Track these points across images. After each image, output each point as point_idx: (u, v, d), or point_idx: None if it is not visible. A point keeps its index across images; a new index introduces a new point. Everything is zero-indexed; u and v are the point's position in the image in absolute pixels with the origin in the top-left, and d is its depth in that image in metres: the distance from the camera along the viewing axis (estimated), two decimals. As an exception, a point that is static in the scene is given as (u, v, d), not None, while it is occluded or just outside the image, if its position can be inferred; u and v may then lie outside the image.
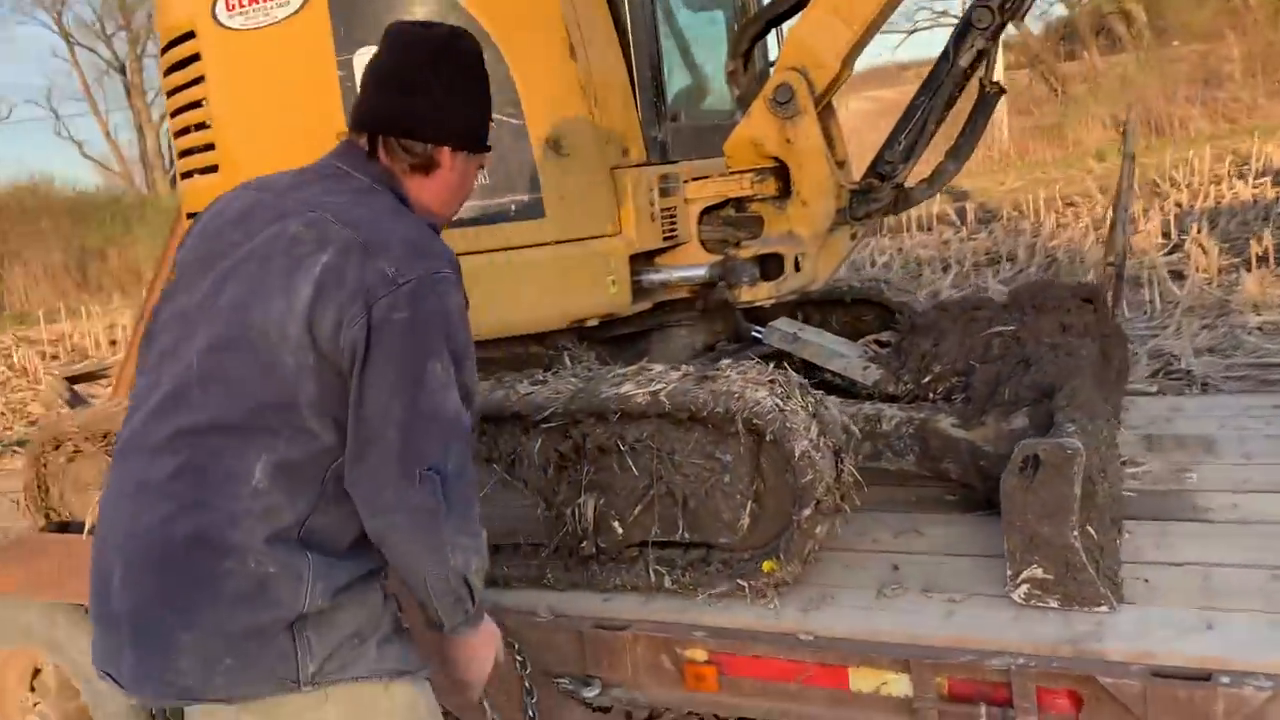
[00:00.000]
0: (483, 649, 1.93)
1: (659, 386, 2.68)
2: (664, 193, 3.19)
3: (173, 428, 1.69)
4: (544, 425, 2.78)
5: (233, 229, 1.79)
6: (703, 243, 3.38)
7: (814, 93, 3.10)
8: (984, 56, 3.02)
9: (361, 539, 1.76)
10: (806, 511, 2.56)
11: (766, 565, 2.62)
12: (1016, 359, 3.07)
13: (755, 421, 2.56)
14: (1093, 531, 2.44)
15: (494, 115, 2.65)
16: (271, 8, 2.87)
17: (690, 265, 3.20)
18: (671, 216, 3.24)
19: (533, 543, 2.91)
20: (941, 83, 3.04)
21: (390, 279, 1.65)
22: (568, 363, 3.02)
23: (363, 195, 1.79)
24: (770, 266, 3.23)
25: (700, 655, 2.56)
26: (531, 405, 2.77)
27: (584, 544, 2.82)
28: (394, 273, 1.65)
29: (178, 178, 3.42)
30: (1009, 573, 2.44)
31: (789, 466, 2.56)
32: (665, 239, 3.21)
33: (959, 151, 3.18)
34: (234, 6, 2.90)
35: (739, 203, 3.32)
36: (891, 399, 3.32)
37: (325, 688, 1.71)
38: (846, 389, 3.46)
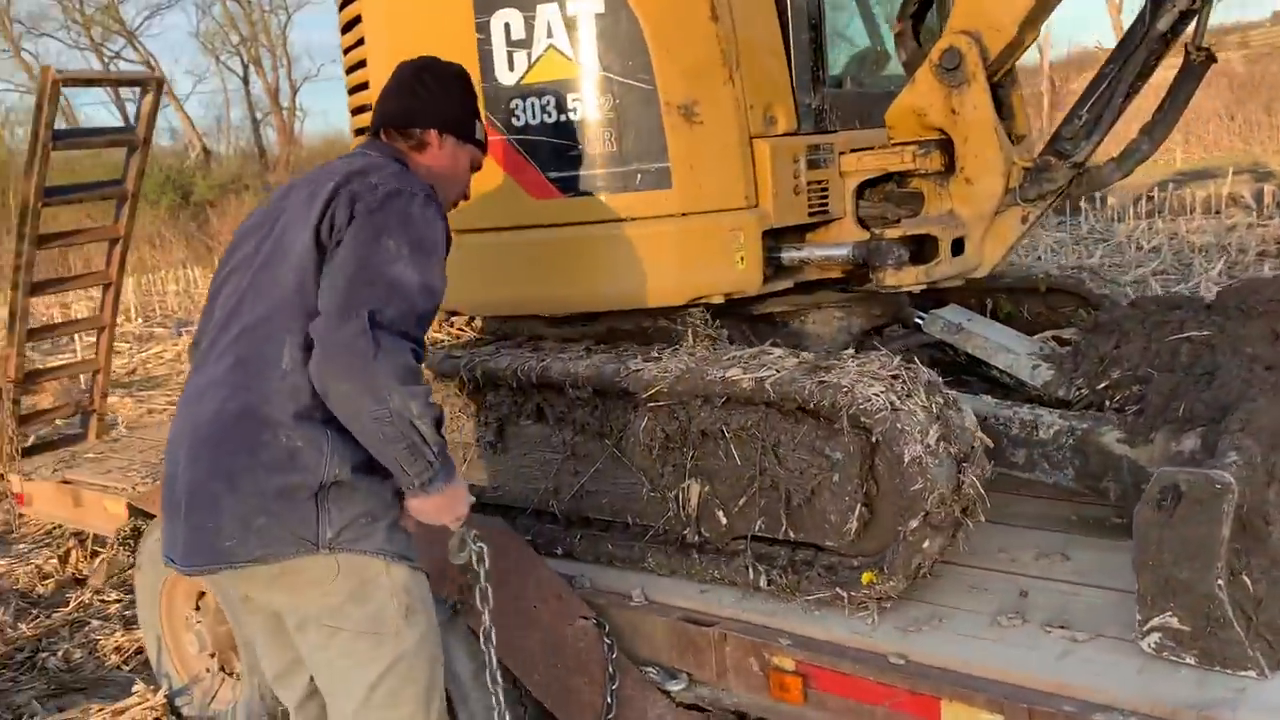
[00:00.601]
0: (452, 503, 2.06)
1: (767, 373, 2.51)
2: (812, 165, 2.97)
3: (230, 335, 2.04)
4: (650, 404, 2.67)
5: (279, 200, 2.17)
6: (860, 220, 3.14)
7: (986, 59, 2.79)
8: (1188, 19, 2.60)
9: None
10: (913, 523, 2.32)
11: (866, 576, 2.40)
12: (1203, 369, 2.65)
13: (863, 419, 2.35)
14: (1249, 581, 2.07)
15: (626, 80, 2.58)
16: (418, -31, 2.89)
17: (833, 244, 2.98)
18: (822, 190, 3.02)
19: (640, 523, 2.82)
20: (1135, 49, 2.65)
21: (372, 187, 2.02)
22: (690, 339, 2.88)
23: (374, 160, 2.17)
24: (928, 249, 2.96)
25: (788, 664, 2.39)
26: (639, 382, 2.67)
27: (687, 531, 2.71)
28: (375, 183, 2.03)
29: (351, 135, 3.54)
30: (1138, 618, 2.11)
31: (898, 472, 2.33)
32: (811, 214, 3.00)
33: (1156, 128, 2.77)
34: (388, -31, 2.95)
35: (901, 178, 3.06)
36: (1063, 404, 2.97)
37: (338, 554, 1.99)
38: (1016, 389, 3.14)
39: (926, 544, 2.34)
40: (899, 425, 2.32)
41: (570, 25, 2.73)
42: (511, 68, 2.79)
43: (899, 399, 2.38)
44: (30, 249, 4.35)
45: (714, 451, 2.62)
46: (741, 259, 2.80)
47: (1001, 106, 3.02)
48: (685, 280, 2.80)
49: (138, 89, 4.42)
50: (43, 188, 4.22)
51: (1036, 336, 3.27)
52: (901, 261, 2.83)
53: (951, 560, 2.64)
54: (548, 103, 2.78)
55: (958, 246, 2.94)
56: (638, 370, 2.69)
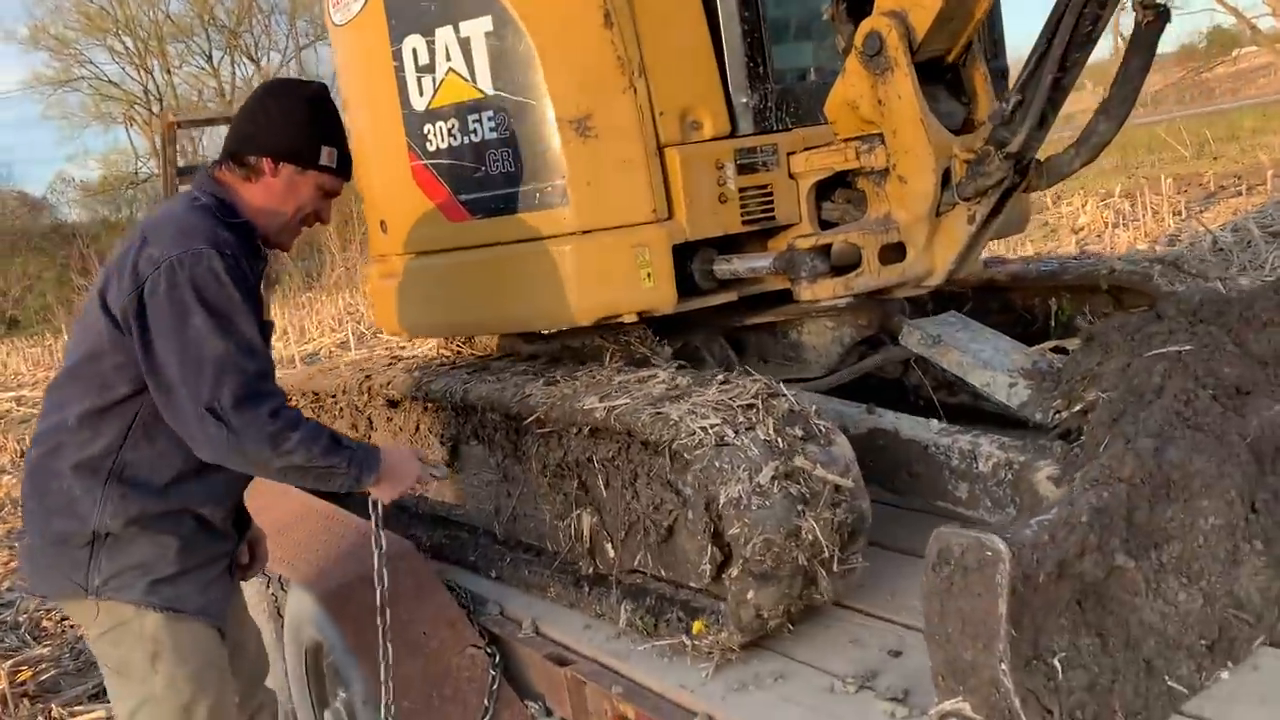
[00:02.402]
0: (399, 477, 2.24)
1: (621, 402, 2.37)
2: (746, 169, 2.75)
3: (52, 387, 2.21)
4: (536, 430, 2.60)
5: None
6: (825, 223, 2.87)
7: (912, 41, 2.45)
8: (1120, -29, 2.15)
9: (177, 479, 2.11)
10: (733, 571, 2.11)
11: (696, 626, 2.22)
12: (1156, 395, 2.19)
13: (684, 455, 2.16)
14: (1060, 667, 1.70)
15: (518, 98, 2.54)
16: (350, 3, 2.96)
17: (758, 255, 2.73)
18: (764, 195, 2.79)
19: (551, 550, 2.75)
20: (1060, 16, 2.22)
21: (154, 261, 2.00)
22: (606, 359, 2.77)
23: (182, 203, 2.19)
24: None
25: (630, 713, 2.25)
26: (526, 407, 2.61)
27: (582, 562, 2.61)
28: (157, 255, 2.01)
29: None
30: (935, 699, 1.80)
31: (716, 513, 2.13)
32: (748, 222, 2.77)
33: (1111, 106, 2.30)
34: (336, 5, 3.04)
35: (855, 176, 2.76)
36: (1041, 429, 2.57)
37: (101, 600, 2.09)
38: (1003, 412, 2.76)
39: (751, 594, 2.12)
40: (716, 463, 2.11)
41: (464, 47, 2.70)
42: (421, 93, 2.81)
43: (735, 432, 2.16)
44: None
45: (593, 482, 2.51)
46: (649, 276, 2.65)
47: (961, 90, 2.66)
48: (590, 300, 2.68)
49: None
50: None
51: (1035, 348, 2.83)
52: (816, 273, 2.55)
53: (856, 606, 2.39)
54: (452, 126, 2.76)
55: (899, 252, 2.61)
56: (528, 396, 2.63)
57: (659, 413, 2.25)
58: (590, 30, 2.60)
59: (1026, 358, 2.78)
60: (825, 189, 2.86)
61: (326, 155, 2.24)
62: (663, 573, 2.40)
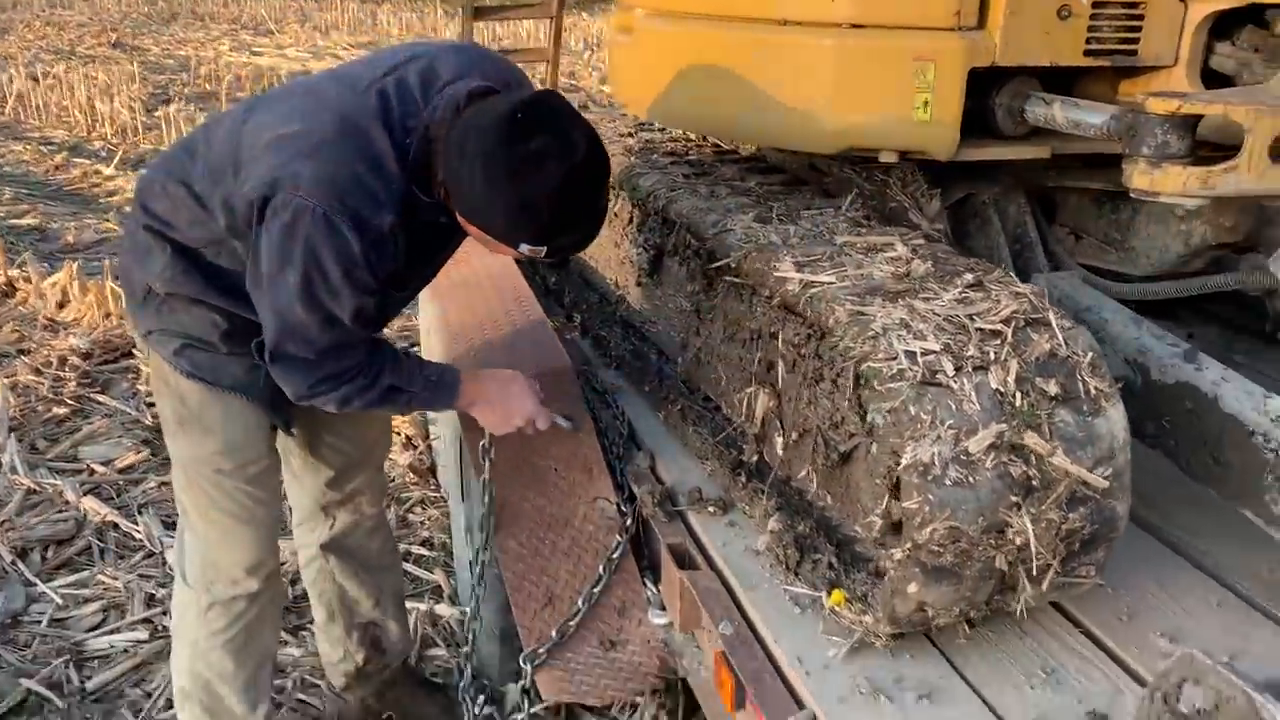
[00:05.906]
0: (503, 408, 2.02)
1: (823, 279, 1.76)
2: (1113, -25, 1.91)
3: (210, 126, 1.92)
4: (723, 276, 2.05)
5: (374, 65, 1.81)
6: (1214, 73, 2.01)
7: None
8: None
9: (223, 289, 1.86)
10: (895, 553, 1.54)
11: (835, 596, 1.69)
12: None
13: (872, 384, 1.56)
14: None
15: None
16: None
17: (1090, 106, 1.91)
18: (1129, 18, 1.94)
19: (724, 417, 2.26)
20: None
21: (295, 186, 1.66)
22: (848, 202, 2.12)
23: (372, 131, 1.70)
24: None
25: (727, 675, 1.80)
26: (720, 246, 2.05)
27: (746, 448, 2.11)
28: (303, 188, 1.66)
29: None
30: None
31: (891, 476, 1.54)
32: (1091, 53, 1.96)
33: None
34: None
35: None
36: None
37: (150, 346, 1.98)
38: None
39: (916, 588, 1.55)
40: (912, 408, 1.50)
41: None
42: None
43: (957, 369, 1.53)
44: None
45: (778, 363, 1.95)
46: (925, 105, 1.94)
47: None
48: (840, 122, 2.01)
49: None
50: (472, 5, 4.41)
51: None
52: (1165, 153, 1.74)
53: (1069, 613, 1.78)
54: None
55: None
56: (728, 231, 2.06)
57: (860, 312, 1.63)
58: None
59: None
60: (1227, 25, 1.97)
61: (528, 250, 1.67)
62: (827, 500, 1.86)
